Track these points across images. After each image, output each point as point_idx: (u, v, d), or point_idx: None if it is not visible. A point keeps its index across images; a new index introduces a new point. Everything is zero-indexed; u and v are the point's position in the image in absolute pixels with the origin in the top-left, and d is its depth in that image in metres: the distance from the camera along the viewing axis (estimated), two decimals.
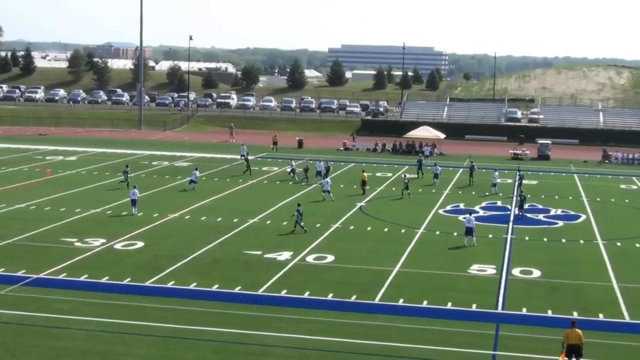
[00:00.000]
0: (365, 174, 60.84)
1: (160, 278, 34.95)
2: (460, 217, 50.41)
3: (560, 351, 25.48)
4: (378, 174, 68.58)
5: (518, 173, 65.55)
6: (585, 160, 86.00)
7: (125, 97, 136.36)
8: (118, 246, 40.84)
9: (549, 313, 31.63)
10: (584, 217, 52.83)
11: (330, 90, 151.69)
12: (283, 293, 33.28)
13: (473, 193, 61.04)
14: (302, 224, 44.91)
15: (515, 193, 54.11)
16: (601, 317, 31.36)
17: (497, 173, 62.71)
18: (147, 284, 34.16)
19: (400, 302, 32.50)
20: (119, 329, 28.33)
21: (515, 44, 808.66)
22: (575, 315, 31.14)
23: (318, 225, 47.09)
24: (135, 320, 29.22)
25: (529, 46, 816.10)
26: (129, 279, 34.69)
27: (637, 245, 44.87)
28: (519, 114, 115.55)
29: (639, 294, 34.86)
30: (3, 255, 38.12)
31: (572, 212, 54.38)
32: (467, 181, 65.57)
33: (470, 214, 45.15)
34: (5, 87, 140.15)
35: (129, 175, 59.27)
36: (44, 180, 61.96)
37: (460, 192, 61.45)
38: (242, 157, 72.02)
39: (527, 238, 45.73)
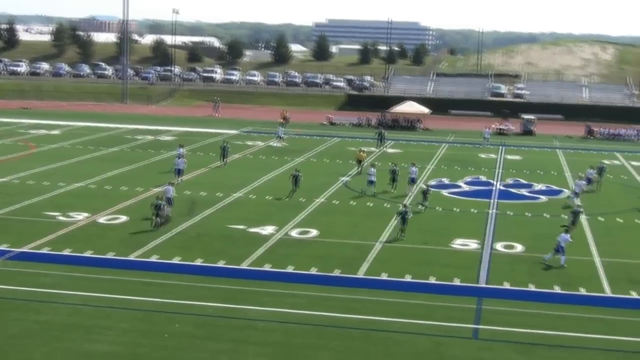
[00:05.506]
0: (363, 153, 59.79)
1: (143, 252, 34.93)
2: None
3: None
4: (364, 149, 68.45)
5: (601, 164, 57.77)
6: (569, 136, 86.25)
7: (109, 70, 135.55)
8: (101, 220, 40.73)
9: (531, 287, 31.85)
10: (567, 192, 53.03)
11: (316, 65, 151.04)
12: (267, 267, 33.33)
13: (457, 168, 61.15)
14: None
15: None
16: (582, 291, 31.55)
17: (591, 170, 55.54)
18: (131, 257, 34.14)
19: (384, 276, 32.61)
20: (102, 303, 28.31)
21: (501, 19, 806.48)
22: (557, 289, 31.37)
23: (302, 199, 47.12)
24: (119, 294, 29.20)
25: (515, 22, 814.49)
26: (112, 253, 34.62)
27: (619, 220, 45.17)
28: (503, 89, 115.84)
29: (620, 268, 35.12)
30: None
31: (556, 187, 54.63)
32: (453, 157, 65.52)
33: (567, 232, 35.96)
34: None
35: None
36: (27, 154, 61.65)
37: (443, 167, 61.52)
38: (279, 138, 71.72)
39: (510, 213, 45.91)
